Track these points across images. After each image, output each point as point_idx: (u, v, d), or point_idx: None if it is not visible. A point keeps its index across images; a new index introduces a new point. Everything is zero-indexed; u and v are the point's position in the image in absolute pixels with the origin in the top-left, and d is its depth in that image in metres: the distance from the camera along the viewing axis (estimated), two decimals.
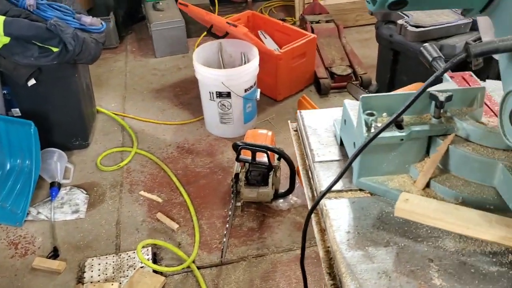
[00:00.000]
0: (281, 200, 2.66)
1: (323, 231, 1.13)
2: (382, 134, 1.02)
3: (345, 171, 1.04)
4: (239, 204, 2.58)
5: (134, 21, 4.59)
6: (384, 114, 1.11)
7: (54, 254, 2.39)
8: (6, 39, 2.49)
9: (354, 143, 1.15)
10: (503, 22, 0.93)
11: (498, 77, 1.40)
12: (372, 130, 1.06)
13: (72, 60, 2.65)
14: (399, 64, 2.99)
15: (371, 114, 1.08)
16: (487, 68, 2.75)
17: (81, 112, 2.96)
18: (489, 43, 0.86)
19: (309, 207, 1.18)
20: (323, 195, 1.08)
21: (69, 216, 2.61)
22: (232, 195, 2.58)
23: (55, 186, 2.70)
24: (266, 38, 3.74)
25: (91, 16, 2.78)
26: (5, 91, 2.65)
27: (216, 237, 2.47)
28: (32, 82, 2.63)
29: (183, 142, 3.14)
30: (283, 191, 2.65)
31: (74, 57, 2.61)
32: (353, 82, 3.44)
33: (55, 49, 2.55)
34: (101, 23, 2.81)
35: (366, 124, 1.07)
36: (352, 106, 1.21)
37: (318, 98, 3.53)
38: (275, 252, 2.38)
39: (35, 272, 2.31)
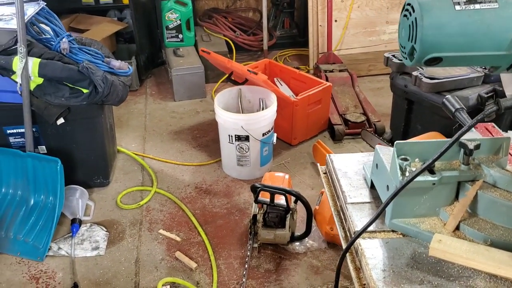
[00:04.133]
0: (297, 243, 2.71)
1: (358, 269, 1.19)
2: (416, 178, 1.10)
3: (381, 212, 1.11)
4: (256, 245, 2.63)
5: (154, 66, 4.75)
6: (417, 159, 1.19)
7: None
8: (40, 80, 2.61)
9: (387, 186, 1.22)
10: None
11: (508, 129, 1.50)
12: (407, 174, 1.14)
13: (100, 101, 2.75)
14: (413, 113, 3.08)
15: (405, 159, 1.16)
16: (499, 120, 2.85)
17: (104, 151, 3.06)
18: None
19: (343, 246, 1.25)
20: (359, 234, 1.15)
21: (89, 253, 2.66)
22: (249, 236, 2.63)
23: (76, 223, 2.75)
24: (282, 85, 3.87)
25: (119, 60, 2.91)
26: (33, 129, 2.75)
27: (233, 277, 2.51)
28: (61, 121, 2.74)
29: (201, 183, 3.21)
30: (299, 234, 2.70)
31: (103, 99, 2.72)
32: (367, 130, 3.53)
33: (85, 91, 2.67)
34: (128, 67, 2.93)
35: (401, 168, 1.15)
36: (384, 151, 1.29)
37: (332, 143, 3.62)
38: None
39: None
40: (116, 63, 2.87)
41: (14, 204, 2.78)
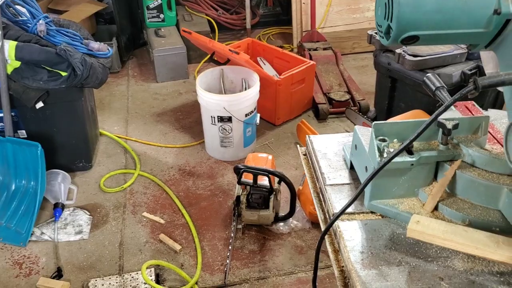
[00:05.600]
0: (281, 224, 2.70)
1: (336, 251, 1.18)
2: (394, 159, 1.08)
3: (359, 194, 1.10)
4: (240, 226, 2.63)
5: (135, 47, 4.67)
6: (395, 140, 1.17)
7: (58, 274, 2.41)
8: (17, 63, 2.55)
9: (366, 167, 1.21)
10: (506, 56, 1.01)
11: (492, 106, 1.48)
12: (385, 155, 1.12)
13: (80, 84, 2.71)
14: (396, 91, 3.07)
15: (383, 140, 1.15)
16: (482, 98, 2.85)
17: (85, 134, 3.01)
18: (496, 76, 0.94)
19: (322, 228, 1.24)
20: (337, 216, 1.14)
21: (72, 237, 2.64)
22: (233, 217, 2.62)
23: (59, 207, 2.73)
24: (265, 64, 3.83)
25: (98, 42, 2.85)
26: (12, 113, 2.70)
27: (218, 259, 2.51)
28: (40, 105, 2.69)
29: (185, 165, 3.19)
30: (283, 214, 2.69)
31: (82, 81, 2.67)
32: (352, 108, 3.52)
33: (63, 73, 2.61)
34: (108, 49, 2.88)
35: (379, 149, 1.14)
36: (363, 132, 1.28)
37: (316, 123, 3.61)
38: (277, 275, 2.42)
39: None
40: (95, 45, 2.82)
41: None
